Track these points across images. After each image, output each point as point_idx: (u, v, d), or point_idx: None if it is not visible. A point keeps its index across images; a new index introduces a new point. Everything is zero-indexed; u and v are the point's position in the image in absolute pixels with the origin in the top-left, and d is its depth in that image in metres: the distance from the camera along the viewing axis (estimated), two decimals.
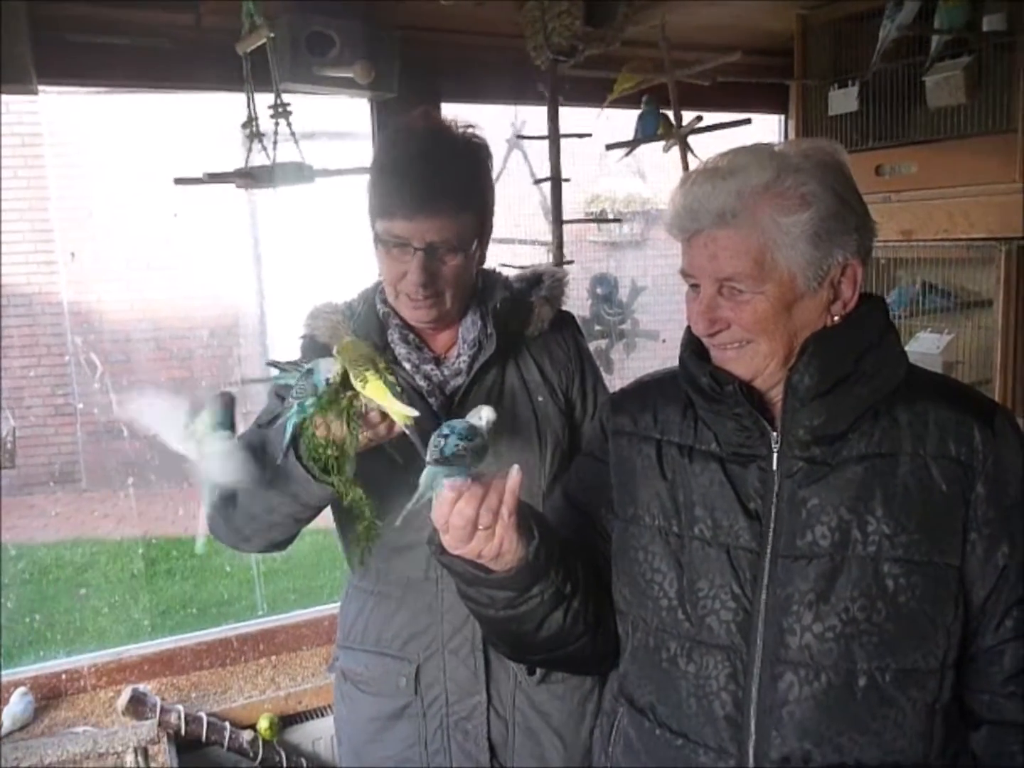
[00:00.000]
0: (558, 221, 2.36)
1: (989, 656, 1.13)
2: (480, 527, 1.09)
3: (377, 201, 1.44)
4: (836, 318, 1.13)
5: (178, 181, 1.92)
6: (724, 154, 1.14)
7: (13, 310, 6.11)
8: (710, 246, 1.11)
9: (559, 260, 2.35)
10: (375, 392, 1.23)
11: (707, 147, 1.30)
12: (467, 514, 1.08)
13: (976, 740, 1.15)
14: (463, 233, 1.43)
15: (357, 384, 1.25)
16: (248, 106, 1.93)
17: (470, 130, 1.50)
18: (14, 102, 5.68)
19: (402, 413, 1.24)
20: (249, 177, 1.91)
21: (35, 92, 2.00)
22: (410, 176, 1.40)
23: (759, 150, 1.13)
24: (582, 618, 1.23)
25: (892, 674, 1.08)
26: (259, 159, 1.92)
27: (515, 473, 1.09)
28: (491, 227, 1.54)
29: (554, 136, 2.33)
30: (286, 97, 1.97)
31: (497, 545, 1.10)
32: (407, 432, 1.26)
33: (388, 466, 1.38)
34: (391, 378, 1.25)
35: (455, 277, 1.45)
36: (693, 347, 1.21)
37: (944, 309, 2.57)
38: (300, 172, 1.94)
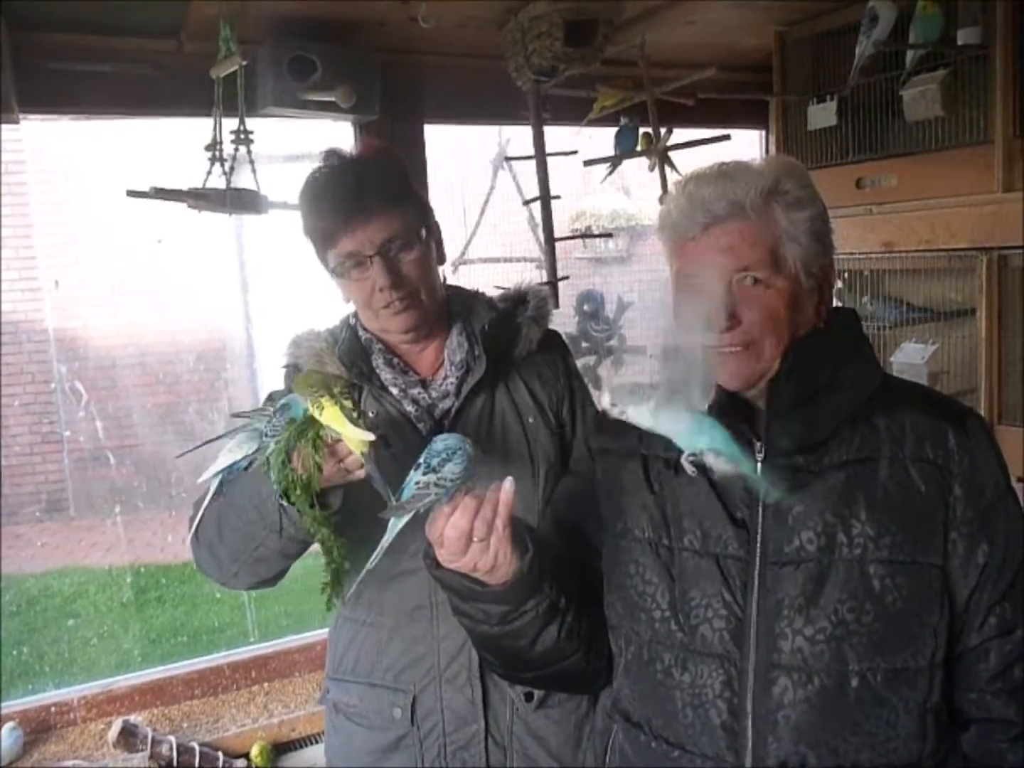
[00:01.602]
0: (550, 239, 2.36)
1: (975, 654, 1.14)
2: (475, 539, 1.10)
3: (317, 234, 1.46)
4: (822, 323, 1.17)
5: (129, 193, 1.92)
6: (713, 165, 1.18)
7: None
8: (725, 238, 1.13)
9: (553, 277, 2.35)
10: (331, 418, 1.20)
11: (690, 164, 1.31)
12: (462, 526, 1.09)
13: (966, 740, 1.16)
14: (407, 225, 1.44)
15: (315, 412, 1.22)
16: (214, 129, 1.94)
17: (374, 145, 1.55)
18: None
19: (357, 439, 1.20)
20: (202, 198, 1.92)
21: (16, 121, 2.00)
22: (332, 196, 1.43)
23: (743, 162, 1.18)
24: (576, 633, 1.23)
25: (883, 674, 1.09)
26: (221, 182, 1.93)
27: (508, 485, 1.10)
28: (436, 225, 1.55)
29: (540, 155, 2.34)
30: (259, 123, 1.99)
31: (492, 558, 1.11)
32: (364, 463, 1.22)
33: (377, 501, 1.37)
34: (347, 403, 1.21)
35: (420, 273, 1.46)
36: None
37: (900, 323, 2.59)
38: (254, 201, 1.95)
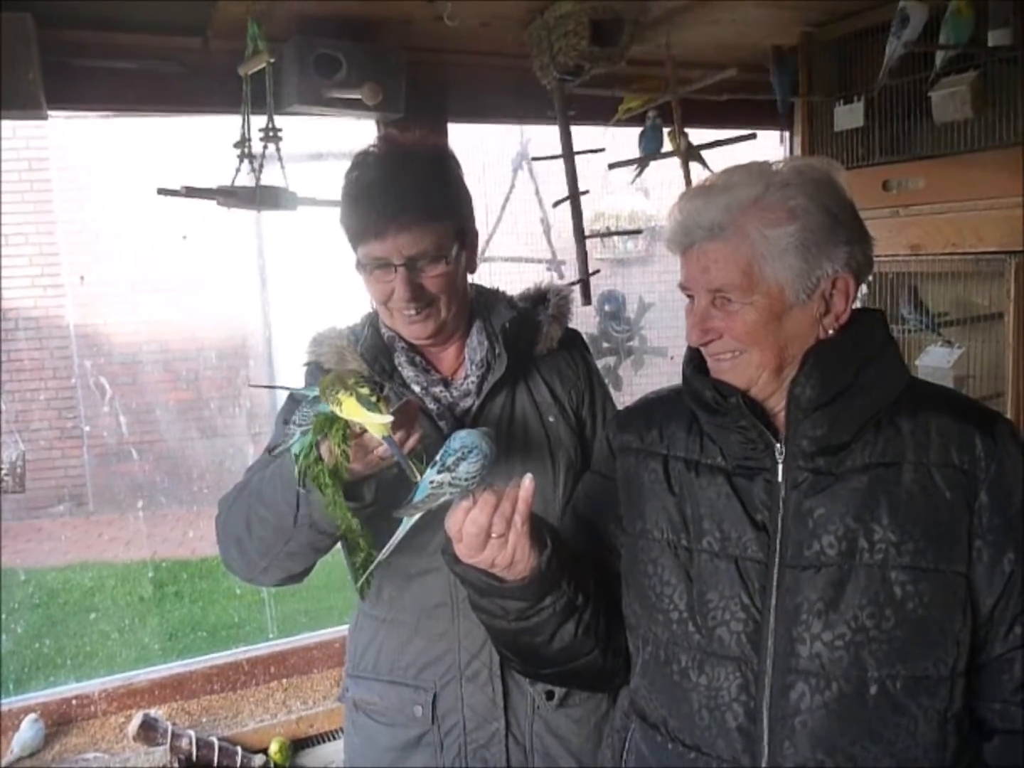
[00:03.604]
0: (580, 238, 2.35)
1: (999, 664, 1.13)
2: (493, 535, 1.10)
3: (350, 229, 1.45)
4: (830, 331, 1.15)
5: (160, 192, 1.93)
6: (720, 172, 1.18)
7: (21, 333, 6.13)
8: (702, 259, 1.14)
9: (584, 274, 2.34)
10: (351, 411, 1.20)
11: (725, 162, 1.31)
12: (480, 522, 1.09)
13: (988, 750, 1.15)
14: (440, 242, 1.42)
15: (336, 410, 1.22)
16: (243, 127, 1.95)
17: (432, 143, 1.50)
18: (21, 127, 5.73)
19: (377, 424, 1.20)
20: (231, 196, 1.92)
21: (45, 117, 2.02)
22: (374, 197, 1.40)
23: (752, 167, 1.16)
24: (593, 631, 1.24)
25: (903, 682, 1.08)
26: (250, 180, 1.94)
27: (528, 482, 1.11)
28: (474, 233, 1.54)
29: (568, 154, 2.32)
30: (284, 121, 1.99)
31: (510, 554, 1.12)
32: (387, 445, 1.22)
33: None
34: (363, 390, 1.20)
35: (443, 286, 1.45)
36: (695, 363, 1.23)
37: (926, 327, 2.56)
38: (283, 197, 1.95)
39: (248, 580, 1.49)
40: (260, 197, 1.91)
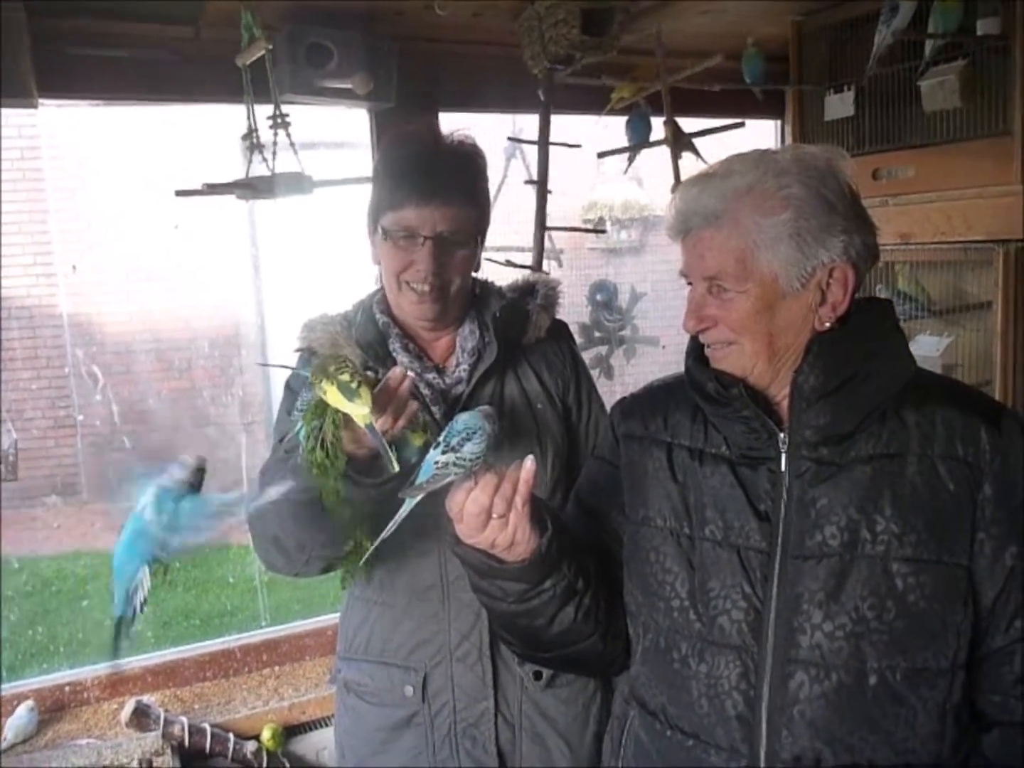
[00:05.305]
0: (541, 226, 2.36)
1: (999, 657, 1.13)
2: (494, 515, 1.11)
3: (386, 193, 1.48)
4: (827, 323, 1.15)
5: (179, 193, 1.93)
6: (722, 160, 1.18)
7: (14, 323, 6.11)
8: (698, 246, 1.15)
9: (538, 265, 2.34)
10: (334, 400, 1.21)
11: (713, 153, 1.32)
12: (481, 502, 1.10)
13: (988, 742, 1.15)
14: (468, 227, 1.47)
15: (324, 399, 1.23)
16: (248, 117, 1.94)
17: (469, 137, 1.55)
18: (13, 115, 5.69)
19: (358, 414, 1.21)
20: (249, 188, 1.92)
21: (36, 106, 2.01)
22: (420, 168, 1.45)
23: (750, 155, 1.16)
24: (593, 616, 1.24)
25: (902, 673, 1.08)
26: (260, 170, 1.93)
27: (529, 464, 1.11)
28: (486, 232, 1.57)
29: (543, 142, 2.35)
30: (285, 108, 1.98)
31: (511, 534, 1.12)
32: (369, 434, 1.22)
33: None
34: (343, 377, 1.21)
35: (460, 271, 1.49)
36: (697, 354, 1.23)
37: (914, 317, 2.58)
38: (300, 182, 1.95)
39: (296, 575, 1.50)
40: (277, 185, 1.91)
